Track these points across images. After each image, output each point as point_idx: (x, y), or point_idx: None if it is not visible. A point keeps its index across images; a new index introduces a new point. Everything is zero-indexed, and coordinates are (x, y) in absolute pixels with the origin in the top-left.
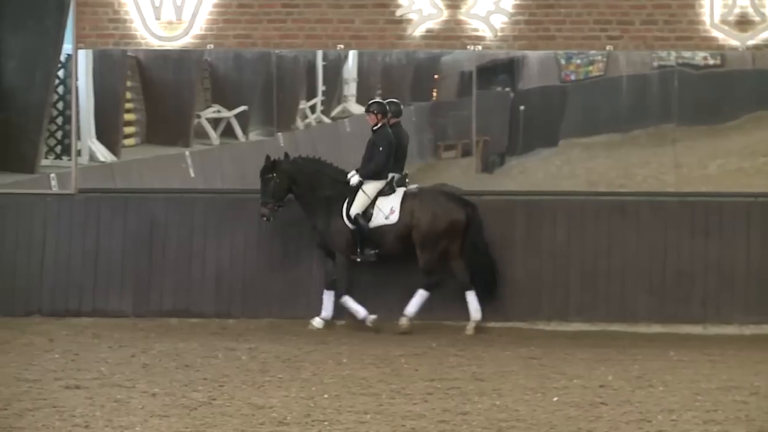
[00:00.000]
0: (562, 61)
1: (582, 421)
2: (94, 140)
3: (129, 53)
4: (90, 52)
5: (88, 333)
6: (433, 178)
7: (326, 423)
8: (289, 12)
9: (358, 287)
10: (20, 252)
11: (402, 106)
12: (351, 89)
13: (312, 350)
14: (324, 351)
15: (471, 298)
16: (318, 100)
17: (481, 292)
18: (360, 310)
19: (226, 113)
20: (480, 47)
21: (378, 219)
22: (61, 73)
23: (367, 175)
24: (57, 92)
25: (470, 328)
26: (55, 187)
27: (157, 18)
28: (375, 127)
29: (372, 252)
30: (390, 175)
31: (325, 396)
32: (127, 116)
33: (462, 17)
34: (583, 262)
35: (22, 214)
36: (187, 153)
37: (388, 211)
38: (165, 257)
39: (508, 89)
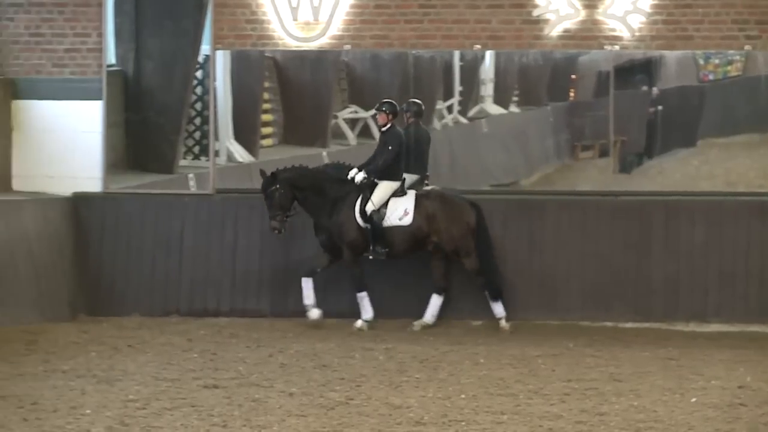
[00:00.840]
0: (701, 61)
1: (720, 422)
2: (232, 141)
3: (266, 54)
4: (228, 52)
5: (226, 333)
6: (570, 178)
7: (463, 423)
8: (426, 12)
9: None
10: (158, 252)
11: (423, 107)
12: (488, 89)
13: (449, 351)
14: (461, 351)
15: (435, 301)
16: (455, 100)
17: (490, 292)
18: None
19: (363, 114)
20: (617, 47)
21: (392, 219)
22: (199, 73)
23: (374, 173)
24: (195, 93)
25: (418, 325)
26: (193, 187)
27: (295, 19)
28: (385, 128)
29: (383, 250)
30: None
31: (462, 396)
32: (265, 117)
33: (599, 17)
34: (722, 263)
35: (161, 214)
36: (324, 153)
37: (401, 212)
38: (302, 257)
39: (645, 89)
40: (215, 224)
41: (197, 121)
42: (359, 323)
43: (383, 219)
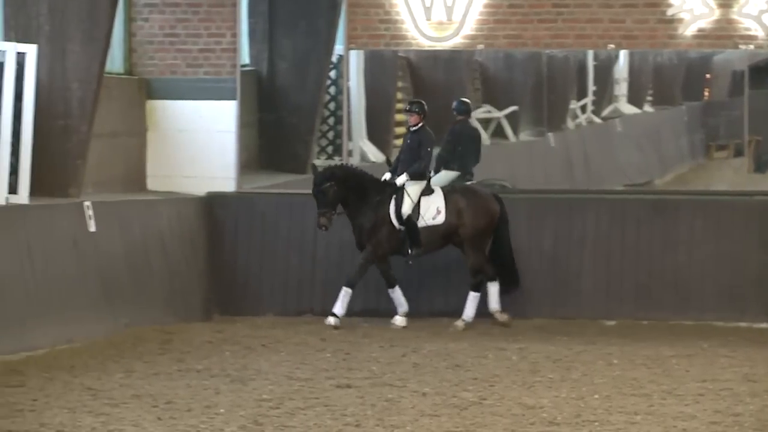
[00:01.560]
0: None
1: None
2: (365, 140)
3: (400, 54)
4: (361, 52)
5: (359, 332)
6: (705, 178)
7: (596, 423)
8: (559, 12)
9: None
10: (293, 251)
11: (471, 105)
12: (622, 89)
13: (582, 350)
14: (594, 351)
15: (493, 288)
16: (588, 100)
17: (504, 285)
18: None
19: (496, 113)
20: (752, 46)
21: (426, 219)
22: (332, 73)
23: (417, 175)
24: (329, 93)
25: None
26: None
27: (428, 18)
28: (415, 127)
29: (420, 251)
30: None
31: (596, 396)
32: (398, 116)
33: (734, 16)
34: None
35: (295, 214)
36: None
37: (434, 211)
38: (437, 258)
39: None
40: (348, 224)
41: (331, 120)
42: (332, 320)
43: (418, 220)
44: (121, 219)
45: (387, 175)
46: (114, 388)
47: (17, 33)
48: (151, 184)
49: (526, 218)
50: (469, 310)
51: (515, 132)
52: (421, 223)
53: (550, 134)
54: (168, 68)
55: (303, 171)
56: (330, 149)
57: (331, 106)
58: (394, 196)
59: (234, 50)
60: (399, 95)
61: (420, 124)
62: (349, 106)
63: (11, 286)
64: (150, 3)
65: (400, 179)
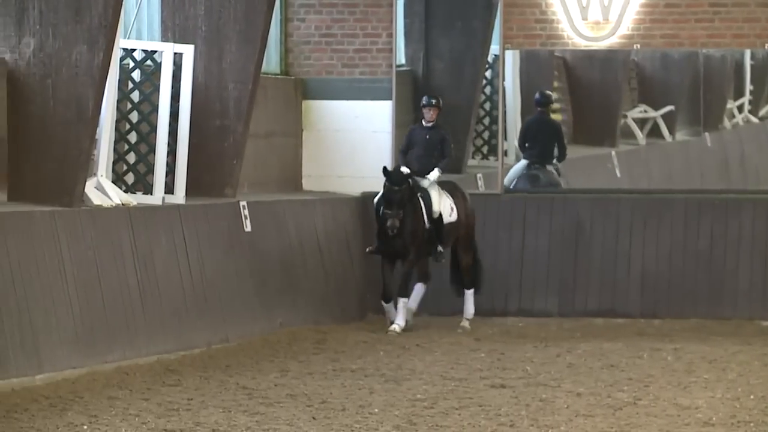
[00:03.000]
0: None
1: None
2: None
3: (555, 53)
4: (517, 52)
5: (514, 332)
6: None
7: (752, 424)
8: (716, 11)
9: None
10: None
11: (552, 98)
12: None
13: (738, 351)
14: (750, 352)
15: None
16: (745, 99)
17: (467, 283)
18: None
19: (652, 113)
20: None
21: (445, 217)
22: (488, 73)
23: (446, 171)
24: (484, 92)
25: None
26: (481, 187)
27: (584, 18)
28: (432, 122)
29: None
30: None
31: (752, 397)
32: (554, 116)
33: None
34: None
35: None
36: (613, 153)
37: (449, 209)
38: (590, 257)
39: None
40: (503, 224)
41: (486, 120)
42: (395, 327)
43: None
44: (276, 219)
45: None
46: (269, 387)
47: (174, 33)
48: (307, 184)
49: (682, 218)
50: (470, 307)
51: (671, 132)
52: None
53: (706, 134)
54: (324, 68)
55: (458, 170)
56: (485, 149)
57: (487, 106)
58: (419, 194)
59: (390, 50)
60: (555, 95)
61: (434, 120)
62: (504, 106)
63: (168, 286)
64: (306, 3)
65: (435, 175)
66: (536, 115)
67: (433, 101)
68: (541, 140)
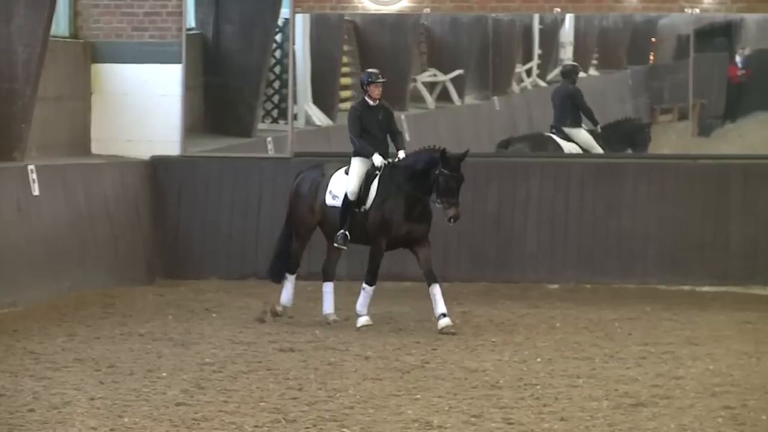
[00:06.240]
0: None
1: None
2: (311, 104)
3: (346, 17)
4: (307, 16)
5: (303, 296)
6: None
7: (538, 387)
8: None
9: None
10: (236, 215)
11: (573, 68)
12: (567, 53)
13: (525, 314)
14: (537, 315)
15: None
16: (534, 63)
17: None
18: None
19: (442, 77)
20: (698, 10)
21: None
22: (278, 37)
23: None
24: (274, 56)
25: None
26: (271, 150)
27: None
28: (379, 101)
29: None
30: None
31: (538, 360)
32: (343, 80)
33: None
34: None
35: (238, 177)
36: (402, 117)
37: None
38: None
39: (727, 52)
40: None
41: (276, 84)
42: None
43: None
44: (65, 183)
45: (379, 158)
46: (56, 351)
47: None
48: (96, 147)
49: (471, 182)
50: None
51: (460, 96)
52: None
53: (495, 98)
54: (113, 31)
55: (248, 134)
56: (275, 113)
57: (277, 69)
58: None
59: (180, 13)
60: (345, 59)
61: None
62: (294, 70)
63: None
64: None
65: (402, 157)
66: (563, 84)
67: (381, 78)
68: (557, 106)
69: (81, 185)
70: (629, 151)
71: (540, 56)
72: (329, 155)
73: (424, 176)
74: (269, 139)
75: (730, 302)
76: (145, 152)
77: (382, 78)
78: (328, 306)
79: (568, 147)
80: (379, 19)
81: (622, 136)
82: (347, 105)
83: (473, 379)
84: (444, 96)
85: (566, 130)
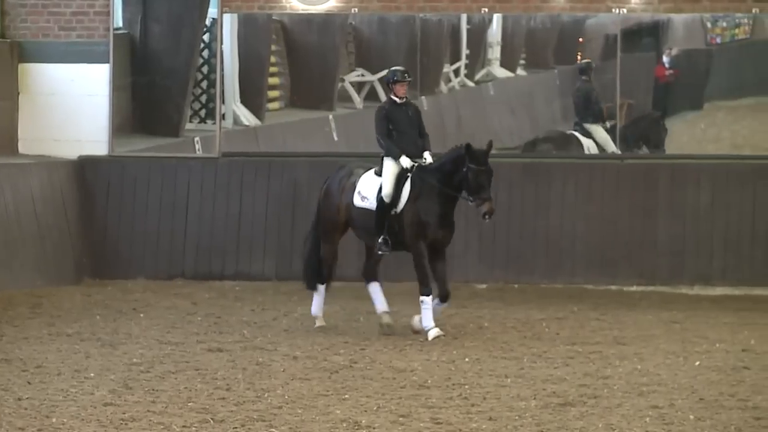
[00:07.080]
0: (708, 24)
1: (724, 385)
2: (239, 104)
3: (274, 17)
4: (235, 15)
5: (231, 296)
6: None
7: (467, 386)
8: None
9: None
10: (164, 215)
11: (587, 65)
12: (495, 53)
13: (453, 314)
14: (465, 315)
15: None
16: (462, 63)
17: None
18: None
19: (370, 77)
20: (625, 10)
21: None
22: (206, 36)
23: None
24: (202, 56)
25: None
26: (199, 150)
27: None
28: (404, 99)
29: None
30: None
31: (466, 359)
32: (271, 80)
33: None
34: (728, 226)
35: (166, 177)
36: (330, 117)
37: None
38: (307, 220)
39: (654, 52)
40: (221, 187)
41: (204, 84)
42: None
43: None
44: None
45: (407, 160)
46: None
47: None
48: (23, 147)
49: None
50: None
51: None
52: None
53: (423, 98)
54: (40, 31)
55: (176, 134)
56: (203, 113)
57: (205, 69)
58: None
59: (107, 13)
60: (273, 59)
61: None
62: (222, 70)
63: None
64: None
65: (428, 157)
66: (583, 83)
67: (407, 76)
68: (576, 103)
69: (8, 185)
70: (645, 149)
71: (468, 56)
72: (257, 155)
73: (454, 174)
74: (197, 138)
75: (658, 302)
76: (72, 152)
77: (409, 77)
78: (381, 304)
79: (587, 144)
80: (307, 19)
81: (641, 133)
82: (275, 105)
83: (401, 379)
84: (372, 96)
85: (587, 126)
